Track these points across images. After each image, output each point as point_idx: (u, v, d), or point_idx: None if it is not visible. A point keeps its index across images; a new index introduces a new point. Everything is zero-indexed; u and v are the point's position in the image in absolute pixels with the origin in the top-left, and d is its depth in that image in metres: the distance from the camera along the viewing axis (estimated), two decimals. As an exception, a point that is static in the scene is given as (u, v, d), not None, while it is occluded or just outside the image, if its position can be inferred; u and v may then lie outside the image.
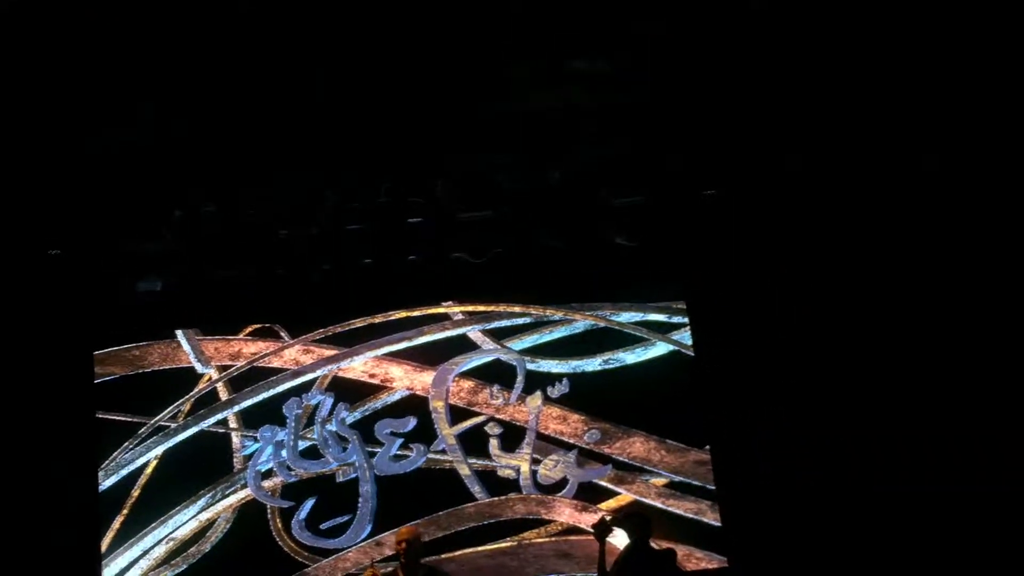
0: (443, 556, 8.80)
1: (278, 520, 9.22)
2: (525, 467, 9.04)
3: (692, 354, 9.08)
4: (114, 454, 9.25)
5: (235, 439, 9.39)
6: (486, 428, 9.16)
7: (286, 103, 8.23)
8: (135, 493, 9.26)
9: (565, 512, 8.89)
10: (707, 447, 8.92)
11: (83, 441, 9.04)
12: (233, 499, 9.29)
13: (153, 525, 9.22)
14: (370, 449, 9.20)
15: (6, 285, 8.84)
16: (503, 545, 8.91)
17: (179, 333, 9.48)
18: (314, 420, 9.30)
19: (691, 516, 8.83)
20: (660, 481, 8.94)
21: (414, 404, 9.26)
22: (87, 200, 8.65)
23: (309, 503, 9.18)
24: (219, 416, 9.38)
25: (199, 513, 9.23)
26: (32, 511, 8.74)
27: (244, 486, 9.30)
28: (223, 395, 9.42)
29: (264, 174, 8.75)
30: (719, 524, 8.79)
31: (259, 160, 8.59)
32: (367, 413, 9.28)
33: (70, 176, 8.48)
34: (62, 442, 8.95)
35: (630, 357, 9.16)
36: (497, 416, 9.17)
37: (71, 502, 8.90)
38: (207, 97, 8.14)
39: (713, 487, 8.85)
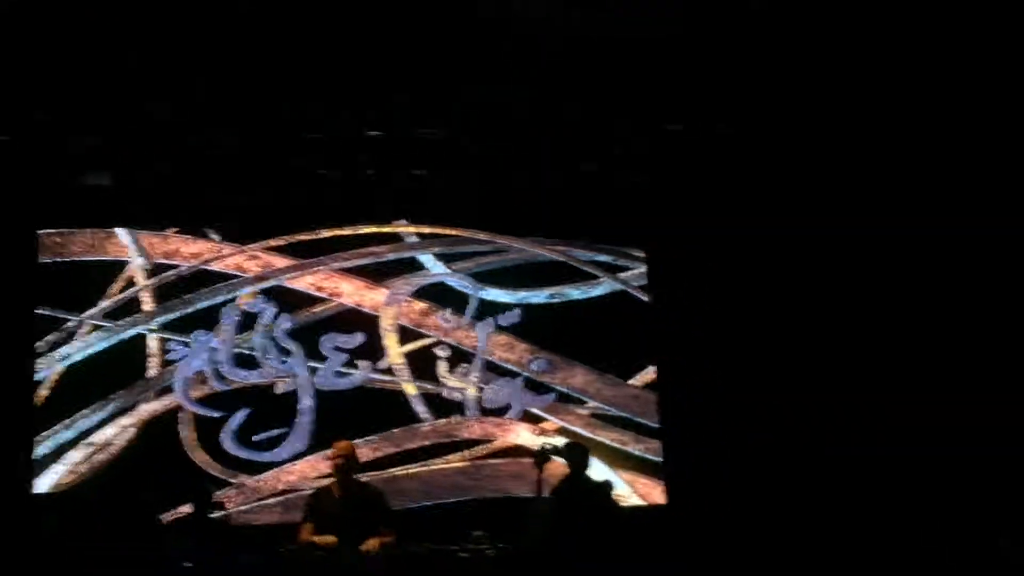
0: (397, 472, 8.77)
1: (192, 432, 8.85)
2: (472, 390, 9.07)
3: (640, 296, 9.35)
4: (41, 346, 8.76)
5: (152, 343, 8.96)
6: (435, 350, 9.13)
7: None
8: (44, 393, 8.76)
9: (521, 435, 8.98)
10: (638, 382, 9.23)
11: (20, 329, 8.60)
12: (151, 406, 8.87)
13: (57, 427, 8.71)
14: (312, 364, 8.98)
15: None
16: (458, 464, 8.92)
17: (120, 230, 9.01)
18: (254, 328, 9.00)
19: (616, 445, 9.10)
20: (586, 412, 9.16)
21: (361, 321, 9.12)
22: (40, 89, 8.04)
23: (242, 414, 8.87)
24: (156, 318, 8.97)
25: (113, 418, 8.79)
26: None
27: (161, 393, 8.89)
28: (151, 295, 8.98)
29: (226, 75, 8.34)
30: (642, 455, 9.10)
31: (220, 60, 8.19)
32: (310, 324, 9.06)
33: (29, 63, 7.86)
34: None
35: (575, 293, 9.33)
36: (446, 340, 9.15)
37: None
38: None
39: (642, 420, 9.17)
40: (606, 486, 7.73)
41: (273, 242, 9.15)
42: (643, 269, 9.36)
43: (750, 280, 9.02)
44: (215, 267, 9.08)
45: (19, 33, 7.42)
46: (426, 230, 9.31)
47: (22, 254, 8.70)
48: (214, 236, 9.16)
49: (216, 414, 8.88)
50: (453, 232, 9.32)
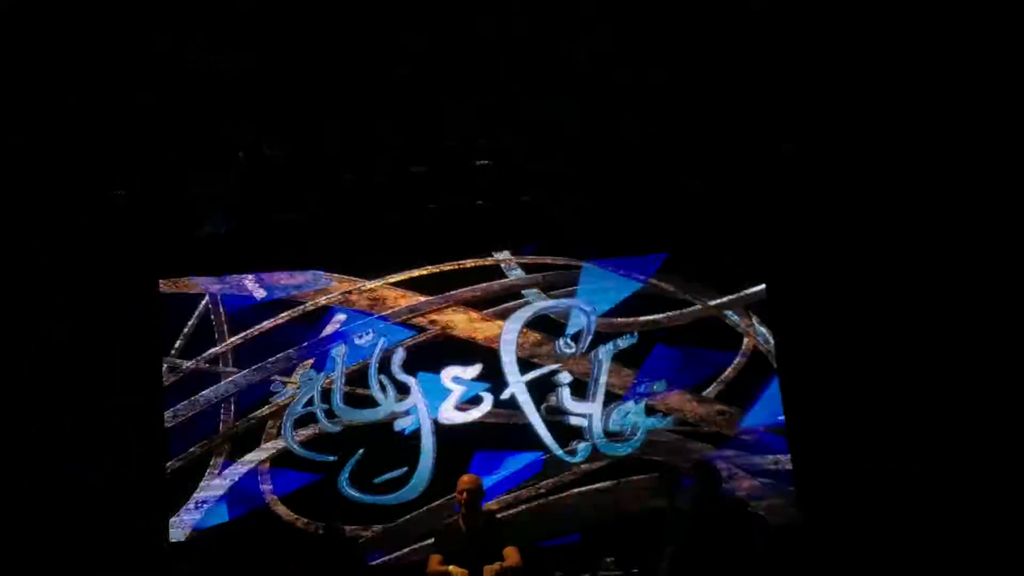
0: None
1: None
2: (594, 416, 8.94)
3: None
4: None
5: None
6: (555, 378, 9.00)
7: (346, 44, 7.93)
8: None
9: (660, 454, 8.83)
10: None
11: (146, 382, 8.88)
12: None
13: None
14: (430, 399, 8.94)
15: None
16: (599, 485, 8.83)
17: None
18: (369, 365, 9.00)
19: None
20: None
21: (478, 353, 9.03)
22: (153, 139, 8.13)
23: (357, 455, 8.89)
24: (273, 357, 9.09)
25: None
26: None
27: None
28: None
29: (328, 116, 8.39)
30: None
31: (322, 101, 8.23)
32: (427, 358, 9.02)
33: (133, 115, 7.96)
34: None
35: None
36: (565, 367, 9.02)
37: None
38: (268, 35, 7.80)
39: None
40: (741, 503, 7.56)
41: (388, 277, 9.16)
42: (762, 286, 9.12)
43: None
44: (328, 303, 9.14)
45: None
46: (536, 260, 9.21)
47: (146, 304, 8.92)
48: (326, 274, 9.21)
49: (330, 458, 8.89)
50: (563, 261, 9.20)
